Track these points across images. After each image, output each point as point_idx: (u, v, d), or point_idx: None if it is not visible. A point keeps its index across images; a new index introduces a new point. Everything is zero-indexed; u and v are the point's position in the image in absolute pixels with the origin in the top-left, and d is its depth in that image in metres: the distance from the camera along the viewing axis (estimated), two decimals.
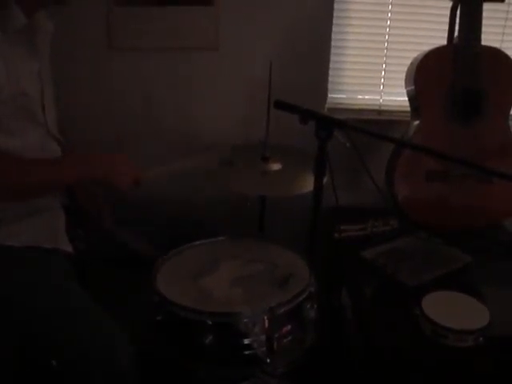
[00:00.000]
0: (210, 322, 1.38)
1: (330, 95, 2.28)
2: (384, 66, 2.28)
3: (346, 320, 1.89)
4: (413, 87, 2.01)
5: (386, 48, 2.25)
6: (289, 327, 1.43)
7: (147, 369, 1.41)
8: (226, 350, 1.40)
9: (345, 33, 2.22)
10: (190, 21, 2.09)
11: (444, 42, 2.06)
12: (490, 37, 2.04)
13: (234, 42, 2.13)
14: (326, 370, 1.69)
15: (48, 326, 1.31)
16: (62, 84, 1.63)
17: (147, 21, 2.07)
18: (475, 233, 2.05)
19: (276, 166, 1.80)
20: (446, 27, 2.05)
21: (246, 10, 2.10)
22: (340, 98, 2.31)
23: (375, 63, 2.28)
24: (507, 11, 2.20)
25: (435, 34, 2.13)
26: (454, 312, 1.51)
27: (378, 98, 2.32)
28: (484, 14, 1.92)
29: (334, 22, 2.17)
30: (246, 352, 1.38)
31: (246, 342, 1.38)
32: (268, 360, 1.36)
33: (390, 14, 2.20)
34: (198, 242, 1.71)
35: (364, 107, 2.33)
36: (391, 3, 2.19)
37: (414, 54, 2.06)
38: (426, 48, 2.01)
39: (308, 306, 1.47)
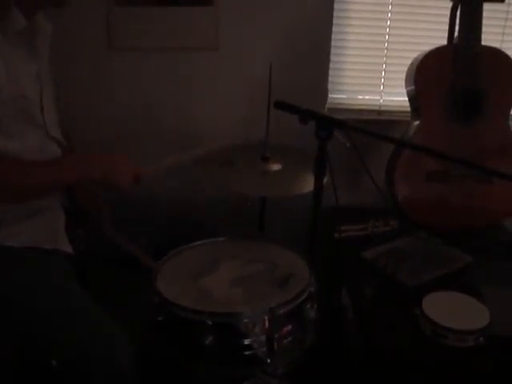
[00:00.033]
0: (210, 323, 1.38)
1: (330, 95, 2.28)
2: (384, 66, 2.28)
3: (346, 320, 1.89)
4: (413, 87, 2.01)
5: (386, 48, 2.25)
6: (289, 327, 1.43)
7: (147, 369, 1.41)
8: (226, 351, 1.40)
9: (345, 33, 2.22)
10: (190, 21, 2.09)
11: (444, 42, 2.06)
12: (490, 37, 2.04)
13: (234, 42, 2.13)
14: (326, 370, 1.69)
15: (48, 326, 1.31)
16: (61, 84, 1.63)
17: (147, 21, 2.07)
18: (475, 233, 2.05)
19: (276, 166, 1.80)
20: (446, 27, 2.05)
21: (246, 10, 2.10)
22: (340, 98, 2.31)
23: (375, 63, 2.28)
24: (507, 11, 2.20)
25: (435, 34, 2.13)
26: (454, 312, 1.51)
27: (378, 98, 2.32)
28: (484, 14, 1.92)
29: (334, 22, 2.17)
30: (247, 352, 1.38)
31: (246, 342, 1.38)
32: (268, 360, 1.36)
33: (390, 14, 2.20)
34: (198, 242, 1.71)
35: (364, 107, 2.33)
36: (391, 3, 2.19)
37: (414, 54, 2.06)
38: (426, 48, 2.01)
39: (308, 306, 1.47)
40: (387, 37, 2.23)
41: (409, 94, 2.07)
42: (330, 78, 2.25)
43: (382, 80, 2.30)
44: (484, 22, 1.93)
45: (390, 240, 1.93)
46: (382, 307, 1.71)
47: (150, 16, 2.06)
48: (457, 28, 1.99)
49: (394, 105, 2.32)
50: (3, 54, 1.26)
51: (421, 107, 2.01)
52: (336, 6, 2.15)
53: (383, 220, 2.01)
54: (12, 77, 1.27)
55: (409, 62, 2.07)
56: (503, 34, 2.22)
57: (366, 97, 2.33)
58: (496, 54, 1.99)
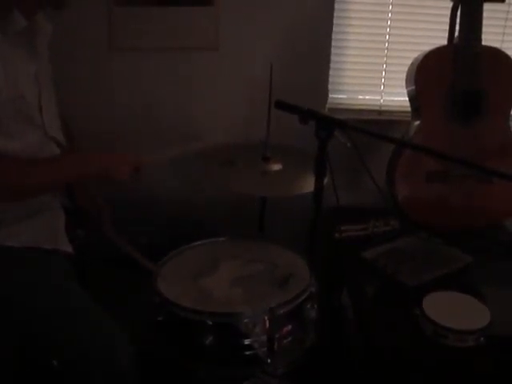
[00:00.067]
0: (211, 323, 1.38)
1: (330, 95, 2.28)
2: (384, 66, 2.28)
3: (347, 320, 1.89)
4: (413, 87, 2.00)
5: (387, 48, 2.25)
6: (289, 327, 1.43)
7: (147, 369, 1.41)
8: (227, 351, 1.40)
9: (345, 33, 2.21)
10: (190, 21, 2.09)
11: (444, 42, 2.05)
12: (490, 37, 2.04)
13: (234, 42, 2.13)
14: (326, 370, 1.68)
15: (48, 326, 1.31)
16: (62, 84, 1.63)
17: (147, 21, 2.07)
18: (475, 233, 2.05)
19: (276, 166, 1.80)
20: (447, 27, 2.05)
21: (246, 10, 2.10)
22: (340, 98, 2.31)
23: (376, 63, 2.28)
24: (507, 11, 2.20)
25: (435, 34, 2.13)
26: (455, 312, 1.51)
27: (379, 98, 2.32)
28: (484, 14, 1.92)
29: (335, 22, 2.17)
30: (247, 352, 1.38)
31: (247, 342, 1.37)
32: (268, 360, 1.36)
33: (390, 14, 2.20)
34: (198, 243, 1.70)
35: (364, 107, 2.33)
36: (391, 3, 2.19)
37: (415, 54, 2.06)
38: (427, 48, 2.01)
39: (308, 306, 1.47)
40: (387, 37, 2.23)
41: (409, 94, 2.06)
42: (330, 78, 2.25)
43: (383, 80, 2.30)
44: (484, 22, 1.93)
45: (391, 240, 1.93)
46: (382, 307, 1.71)
47: (150, 16, 2.06)
48: (457, 28, 1.99)
49: (394, 105, 2.31)
50: (2, 54, 1.26)
51: (421, 107, 2.01)
52: (336, 5, 2.15)
53: (383, 220, 2.01)
54: (10, 78, 1.27)
55: (409, 62, 2.07)
56: (503, 33, 2.22)
57: (367, 97, 2.33)
58: (496, 54, 1.99)
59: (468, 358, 1.44)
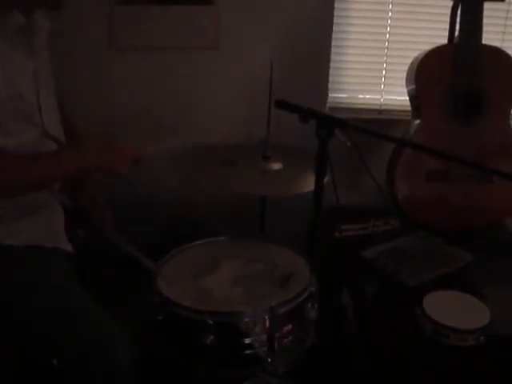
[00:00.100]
0: (211, 322, 1.38)
1: (330, 94, 2.28)
2: (385, 65, 2.27)
3: (347, 320, 1.89)
4: (413, 86, 2.00)
5: (387, 47, 2.25)
6: (289, 327, 1.43)
7: (147, 369, 1.41)
8: (227, 350, 1.40)
9: (345, 32, 2.21)
10: (190, 20, 2.09)
11: (445, 41, 2.05)
12: (490, 36, 2.04)
13: (234, 41, 2.13)
14: (326, 369, 1.68)
15: (48, 326, 1.31)
16: (62, 84, 1.63)
17: (147, 20, 2.07)
18: (476, 232, 2.05)
19: (277, 166, 1.80)
20: (447, 26, 2.05)
21: (246, 10, 2.10)
22: (341, 97, 2.31)
23: (376, 62, 2.27)
24: (508, 10, 2.20)
25: (436, 34, 2.13)
26: (455, 311, 1.51)
27: (379, 97, 2.32)
28: (485, 14, 1.92)
29: (335, 21, 2.17)
30: (247, 351, 1.38)
31: (247, 341, 1.37)
32: (269, 359, 1.36)
33: (390, 14, 2.20)
34: (198, 242, 1.70)
35: (365, 106, 2.33)
36: (392, 2, 2.18)
37: (415, 54, 2.06)
38: (427, 47, 2.00)
39: (309, 306, 1.47)
40: (388, 36, 2.23)
41: (409, 93, 2.06)
42: (330, 77, 2.25)
43: (383, 79, 2.30)
44: (484, 21, 1.92)
45: (391, 239, 1.92)
46: (382, 307, 1.71)
47: (150, 15, 2.06)
48: (457, 27, 1.99)
49: (394, 104, 2.31)
50: (1, 53, 1.25)
51: (421, 106, 2.01)
52: (337, 5, 2.15)
53: (384, 219, 2.01)
54: (8, 76, 1.27)
55: (409, 61, 2.07)
56: (504, 33, 2.22)
57: (367, 96, 2.33)
58: (496, 53, 1.99)
59: (468, 358, 1.43)
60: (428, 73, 1.99)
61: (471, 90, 1.97)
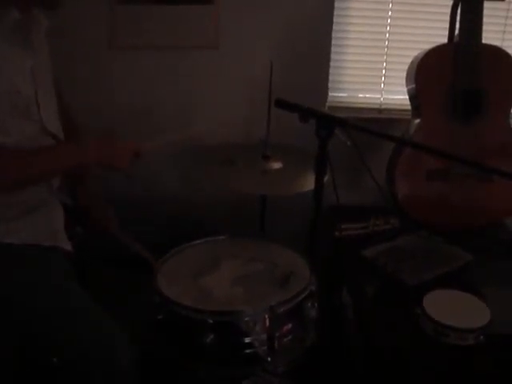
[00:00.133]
0: (211, 321, 1.38)
1: (330, 94, 2.28)
2: (385, 64, 2.27)
3: (347, 319, 1.89)
4: (413, 86, 2.00)
5: (387, 46, 2.25)
6: (289, 326, 1.43)
7: (147, 369, 1.41)
8: (227, 349, 1.40)
9: (345, 31, 2.21)
10: (190, 20, 2.09)
11: (445, 40, 2.05)
12: (490, 35, 2.04)
13: (234, 40, 2.13)
14: (326, 368, 1.68)
15: (48, 325, 1.31)
16: (62, 84, 1.63)
17: (147, 20, 2.07)
18: (476, 231, 2.05)
19: (277, 165, 1.80)
20: (447, 26, 2.05)
21: (246, 9, 2.10)
22: (341, 96, 2.31)
23: (376, 62, 2.27)
24: (508, 9, 2.20)
25: (436, 33, 2.13)
26: (455, 310, 1.51)
27: (379, 96, 2.32)
28: (485, 13, 1.92)
29: (335, 20, 2.17)
30: (247, 351, 1.38)
31: (247, 340, 1.38)
32: (269, 359, 1.36)
33: (390, 13, 2.20)
34: (198, 242, 1.70)
35: (365, 106, 2.33)
36: (392, 2, 2.18)
37: (415, 53, 2.06)
38: (427, 46, 2.00)
39: (309, 305, 1.47)
40: (388, 35, 2.23)
41: (409, 93, 2.06)
42: (330, 77, 2.25)
43: (383, 78, 2.30)
44: (484, 20, 1.92)
45: (391, 239, 1.92)
46: (382, 306, 1.71)
47: (150, 15, 2.06)
48: (457, 26, 1.99)
49: (394, 103, 2.31)
50: None
51: (421, 105, 2.01)
52: (336, 4, 2.15)
53: (384, 218, 2.00)
54: (5, 73, 1.26)
55: (409, 60, 2.07)
56: (504, 32, 2.22)
57: (367, 95, 2.33)
58: (496, 52, 1.99)
59: (468, 357, 1.44)
60: (428, 72, 1.99)
61: (471, 89, 1.96)
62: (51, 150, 1.40)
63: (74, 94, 2.05)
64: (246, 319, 1.37)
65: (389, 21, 2.21)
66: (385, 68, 2.28)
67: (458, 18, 1.97)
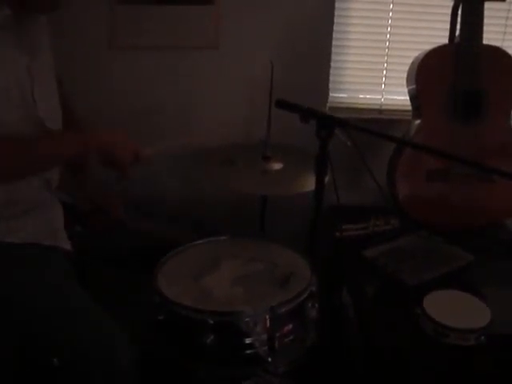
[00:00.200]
0: (212, 322, 1.38)
1: (331, 94, 2.28)
2: (385, 65, 2.27)
3: (347, 319, 1.89)
4: (414, 86, 2.00)
5: (388, 47, 2.25)
6: (290, 326, 1.42)
7: (147, 369, 1.40)
8: (228, 350, 1.40)
9: (346, 32, 2.21)
10: (190, 20, 2.09)
11: (445, 41, 2.06)
12: (491, 36, 2.04)
13: (234, 41, 2.13)
14: (326, 369, 1.68)
15: (48, 326, 1.31)
16: (63, 83, 1.63)
17: (148, 20, 2.07)
18: (476, 232, 2.05)
19: (277, 166, 1.80)
20: (448, 26, 2.05)
21: (246, 9, 2.10)
22: (341, 97, 2.31)
23: (376, 62, 2.27)
24: (508, 10, 2.20)
25: (436, 33, 2.13)
26: (456, 311, 1.51)
27: (380, 97, 2.32)
28: (485, 13, 1.92)
29: (336, 21, 2.17)
30: (248, 351, 1.38)
31: (248, 341, 1.37)
32: (269, 359, 1.36)
33: (391, 14, 2.20)
34: (198, 242, 1.70)
35: (365, 106, 2.33)
36: (392, 2, 2.18)
37: (416, 53, 2.06)
38: (428, 47, 2.00)
39: (309, 305, 1.47)
40: (388, 36, 2.23)
41: (410, 93, 2.06)
42: (331, 77, 2.25)
43: (383, 79, 2.30)
44: (485, 21, 1.92)
45: (391, 239, 1.92)
46: (382, 306, 1.71)
47: (150, 15, 2.06)
48: (458, 27, 1.99)
49: (395, 104, 2.31)
50: None
51: (422, 106, 2.01)
52: (337, 4, 2.15)
53: (384, 219, 2.01)
54: (1, 70, 1.26)
55: (410, 60, 2.07)
56: (504, 32, 2.22)
57: (367, 96, 2.33)
58: (497, 52, 1.99)
59: (468, 357, 1.43)
60: (429, 72, 1.99)
61: (472, 90, 1.97)
62: (50, 137, 1.40)
63: (74, 94, 2.05)
64: (247, 319, 1.36)
65: (389, 21, 2.21)
66: (385, 69, 2.28)
67: (459, 18, 1.97)
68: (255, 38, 2.14)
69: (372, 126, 1.99)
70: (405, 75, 2.08)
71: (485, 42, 1.95)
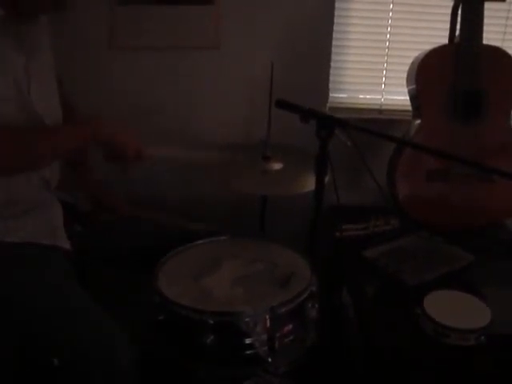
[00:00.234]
0: (212, 322, 1.38)
1: (331, 94, 2.28)
2: (385, 65, 2.27)
3: (347, 319, 1.89)
4: (414, 86, 2.00)
5: (388, 47, 2.25)
6: (290, 326, 1.42)
7: (147, 369, 1.40)
8: (228, 350, 1.40)
9: (346, 32, 2.21)
10: (190, 20, 2.09)
11: (445, 41, 2.06)
12: (491, 36, 2.04)
13: (234, 41, 2.13)
14: (327, 369, 1.68)
15: (48, 326, 1.31)
16: (63, 82, 1.63)
17: (148, 20, 2.07)
18: (476, 232, 2.05)
19: (277, 166, 1.80)
20: (448, 26, 2.05)
21: (246, 9, 2.10)
22: (341, 97, 2.31)
23: (376, 62, 2.27)
24: (508, 10, 2.20)
25: (436, 33, 2.13)
26: (456, 311, 1.51)
27: (380, 97, 2.32)
28: (485, 14, 1.92)
29: (336, 21, 2.17)
30: (248, 351, 1.38)
31: (248, 341, 1.37)
32: (269, 359, 1.35)
33: (391, 14, 2.20)
34: (198, 242, 1.70)
35: (365, 106, 2.33)
36: (392, 2, 2.18)
37: (416, 53, 2.06)
38: (428, 47, 2.00)
39: (309, 306, 1.47)
40: (388, 36, 2.23)
41: (410, 93, 2.06)
42: (331, 77, 2.25)
43: (383, 79, 2.30)
44: (485, 21, 1.92)
45: (391, 239, 1.92)
46: (382, 306, 1.71)
47: (150, 15, 2.06)
48: (458, 27, 1.99)
49: (395, 104, 2.31)
50: None
51: (422, 106, 2.01)
52: (337, 5, 2.15)
53: (384, 219, 2.01)
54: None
55: (410, 61, 2.07)
56: (504, 33, 2.22)
57: (367, 96, 2.33)
58: (497, 52, 1.99)
59: (469, 357, 1.43)
60: (429, 73, 1.99)
61: (472, 90, 1.97)
62: (50, 128, 1.40)
63: (73, 94, 2.05)
64: (247, 320, 1.36)
65: (389, 21, 2.21)
66: (385, 69, 2.28)
67: (459, 18, 1.97)
68: (255, 38, 2.14)
69: (372, 126, 1.99)
70: (405, 75, 2.08)
71: (485, 41, 1.95)
